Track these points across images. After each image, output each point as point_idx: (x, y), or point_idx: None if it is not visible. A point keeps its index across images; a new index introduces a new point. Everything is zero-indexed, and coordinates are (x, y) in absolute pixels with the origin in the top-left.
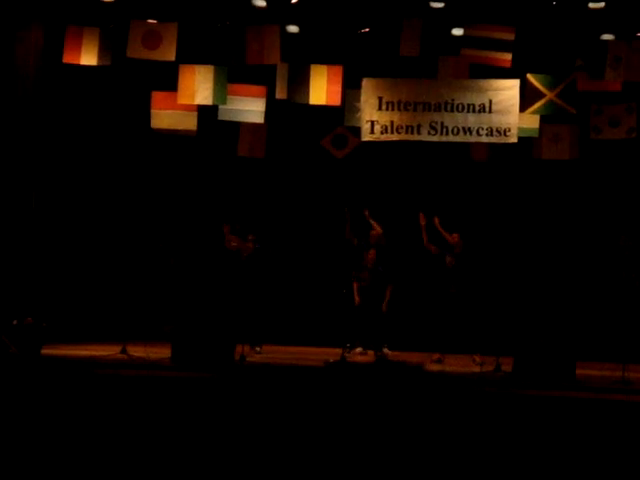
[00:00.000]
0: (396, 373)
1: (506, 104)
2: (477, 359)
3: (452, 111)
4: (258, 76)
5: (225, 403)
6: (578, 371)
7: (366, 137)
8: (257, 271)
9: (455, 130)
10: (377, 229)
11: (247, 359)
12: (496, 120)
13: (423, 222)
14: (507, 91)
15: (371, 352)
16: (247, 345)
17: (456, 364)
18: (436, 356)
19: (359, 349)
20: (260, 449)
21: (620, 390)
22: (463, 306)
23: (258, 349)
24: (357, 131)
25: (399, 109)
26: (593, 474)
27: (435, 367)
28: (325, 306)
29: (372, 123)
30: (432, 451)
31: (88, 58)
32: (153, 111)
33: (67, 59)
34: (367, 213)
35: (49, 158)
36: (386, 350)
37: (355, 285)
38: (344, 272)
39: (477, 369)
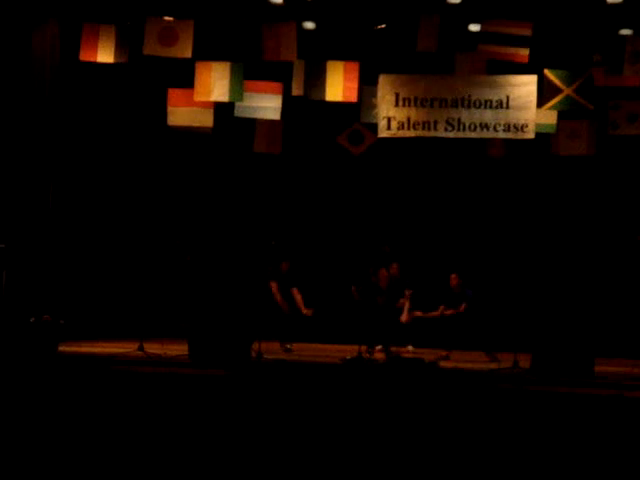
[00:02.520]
0: (411, 370)
1: (523, 100)
2: (494, 357)
3: (469, 107)
4: (274, 73)
5: (241, 400)
6: (596, 367)
7: (383, 133)
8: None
9: (472, 126)
10: (392, 269)
11: (265, 356)
12: (513, 116)
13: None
14: (524, 87)
15: (393, 349)
16: (277, 342)
17: (466, 360)
18: (444, 353)
19: (379, 347)
20: (275, 445)
21: (639, 386)
22: (476, 304)
23: (289, 346)
24: (374, 127)
25: (416, 105)
26: (612, 471)
27: (450, 364)
28: (345, 304)
29: (389, 119)
30: (447, 446)
31: (105, 55)
32: (169, 108)
33: (84, 57)
34: (387, 249)
35: (66, 156)
36: (410, 348)
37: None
38: (362, 270)
39: (495, 365)
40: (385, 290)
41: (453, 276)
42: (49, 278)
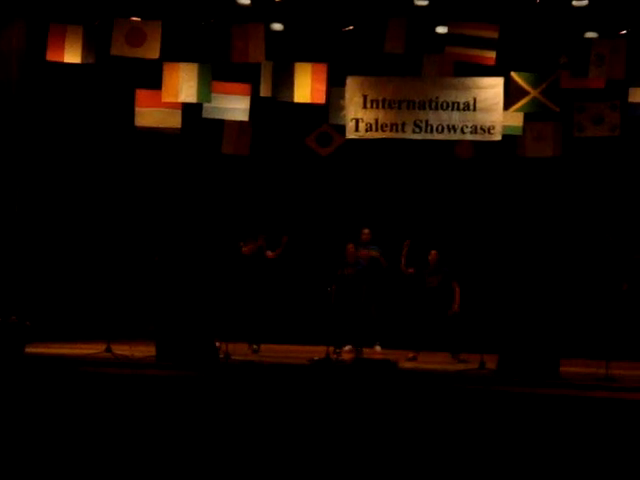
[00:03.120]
0: (378, 371)
1: (490, 102)
2: (461, 357)
3: (437, 109)
4: (243, 74)
5: (209, 401)
6: (562, 368)
7: (351, 135)
8: (257, 270)
9: (440, 128)
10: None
11: (233, 357)
12: (480, 118)
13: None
14: (491, 89)
15: (361, 350)
16: (245, 343)
17: (432, 362)
18: (411, 354)
19: (348, 347)
20: (243, 445)
21: (604, 387)
22: (442, 303)
23: (255, 347)
24: (342, 129)
25: (384, 107)
26: (576, 471)
27: (417, 365)
28: (313, 304)
29: (357, 121)
30: (414, 447)
31: (71, 56)
32: (137, 109)
33: (51, 57)
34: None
35: (33, 157)
36: (378, 348)
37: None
38: (330, 270)
39: (461, 367)
40: (352, 264)
41: (433, 252)
42: (15, 279)
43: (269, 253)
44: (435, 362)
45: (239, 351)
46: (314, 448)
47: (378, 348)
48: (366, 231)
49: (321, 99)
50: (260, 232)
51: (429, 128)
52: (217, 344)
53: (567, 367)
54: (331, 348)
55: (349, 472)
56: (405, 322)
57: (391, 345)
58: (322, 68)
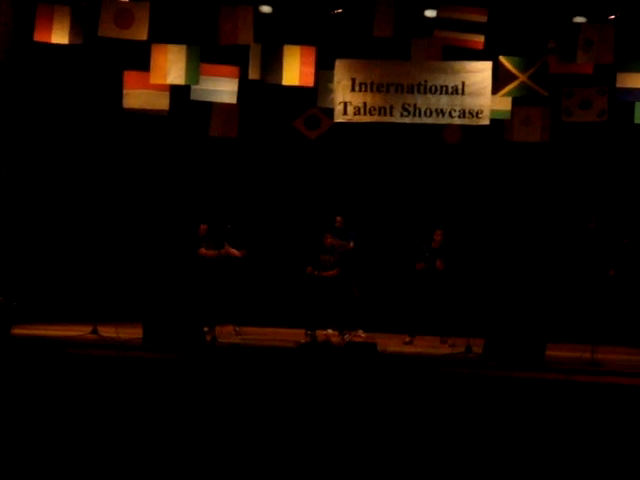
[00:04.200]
0: (364, 355)
1: (478, 86)
2: (449, 342)
3: (425, 93)
4: (231, 56)
5: (195, 384)
6: (548, 352)
7: (339, 118)
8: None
9: (428, 112)
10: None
11: (220, 340)
12: (468, 102)
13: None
14: (479, 73)
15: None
16: (230, 325)
17: (426, 346)
18: (407, 338)
19: (330, 331)
20: (228, 428)
21: (589, 371)
22: (436, 288)
23: (237, 329)
24: (330, 112)
25: (372, 90)
26: (562, 454)
27: (406, 349)
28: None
29: (345, 104)
30: (400, 431)
31: (59, 37)
32: (125, 91)
33: (38, 37)
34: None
35: (19, 137)
36: (360, 333)
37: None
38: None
39: (448, 350)
40: (328, 249)
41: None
42: (2, 260)
43: (233, 251)
44: (423, 346)
45: (225, 334)
46: (300, 430)
47: (361, 332)
48: (339, 219)
49: (309, 82)
50: (223, 237)
51: (417, 112)
52: (205, 329)
53: (553, 351)
54: (319, 332)
55: (334, 455)
56: (396, 306)
57: (383, 329)
58: (311, 51)
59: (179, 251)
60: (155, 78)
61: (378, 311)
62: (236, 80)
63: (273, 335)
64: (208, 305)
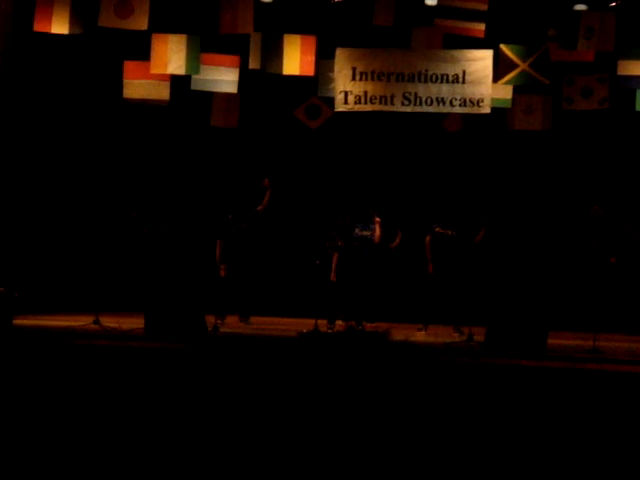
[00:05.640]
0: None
1: (479, 75)
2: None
3: (426, 81)
4: (231, 46)
5: (197, 373)
6: (549, 340)
7: (340, 107)
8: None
9: (429, 100)
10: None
11: (221, 329)
12: (469, 90)
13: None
14: (480, 61)
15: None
16: (237, 315)
17: (436, 334)
18: (420, 327)
19: (339, 321)
20: (233, 418)
21: (591, 359)
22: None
23: (219, 322)
24: (331, 101)
25: (373, 79)
26: (564, 443)
27: (410, 338)
28: (303, 277)
29: (346, 93)
30: (402, 419)
31: (59, 27)
32: (125, 81)
33: (38, 27)
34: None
35: (19, 128)
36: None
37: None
38: (319, 243)
39: (448, 339)
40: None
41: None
42: (3, 251)
43: None
44: (433, 335)
45: (230, 324)
46: (301, 420)
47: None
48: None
49: (310, 71)
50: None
51: (418, 101)
52: (218, 321)
53: (555, 339)
54: (320, 321)
55: (334, 445)
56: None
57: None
58: (311, 40)
59: (181, 241)
60: (155, 68)
61: (392, 301)
62: (237, 70)
63: (275, 325)
64: (217, 294)
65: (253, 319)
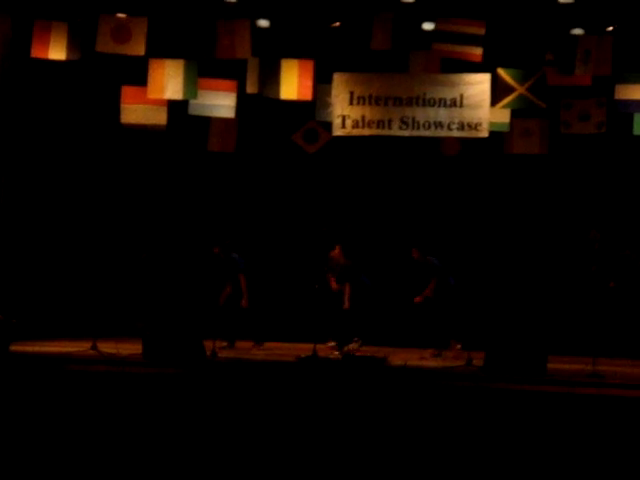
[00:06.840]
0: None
1: (477, 98)
2: (433, 352)
3: (423, 105)
4: (229, 70)
5: (196, 399)
6: (549, 365)
7: (337, 132)
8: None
9: (426, 125)
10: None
11: (219, 355)
12: (467, 114)
13: None
14: (478, 85)
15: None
16: (250, 341)
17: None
18: (435, 352)
19: (332, 343)
20: (229, 442)
21: (591, 383)
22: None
23: (258, 345)
24: (328, 126)
25: (370, 104)
26: (564, 466)
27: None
28: (300, 302)
29: (343, 118)
30: (404, 443)
31: (56, 52)
32: (123, 106)
33: (35, 53)
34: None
35: (17, 153)
36: (353, 345)
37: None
38: (317, 267)
39: (447, 363)
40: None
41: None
42: (1, 277)
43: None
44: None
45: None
46: (301, 444)
47: (354, 345)
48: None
49: (308, 96)
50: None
51: (416, 125)
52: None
53: (555, 364)
54: (319, 345)
55: (334, 468)
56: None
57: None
58: (309, 65)
59: (179, 266)
60: (153, 93)
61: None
62: (234, 94)
63: (273, 350)
64: (228, 320)
65: (247, 344)
